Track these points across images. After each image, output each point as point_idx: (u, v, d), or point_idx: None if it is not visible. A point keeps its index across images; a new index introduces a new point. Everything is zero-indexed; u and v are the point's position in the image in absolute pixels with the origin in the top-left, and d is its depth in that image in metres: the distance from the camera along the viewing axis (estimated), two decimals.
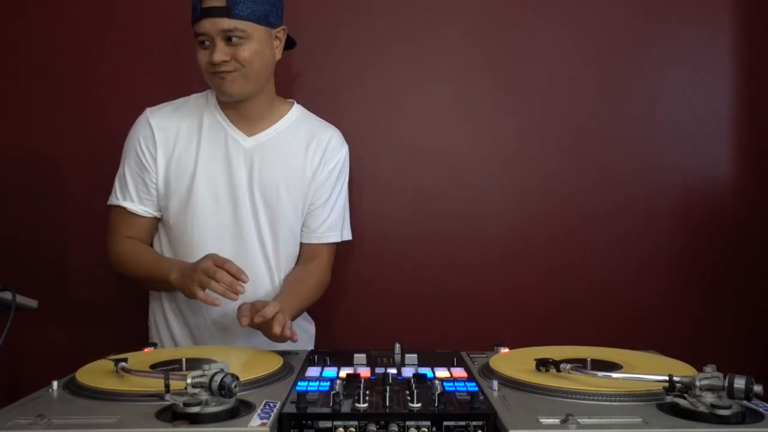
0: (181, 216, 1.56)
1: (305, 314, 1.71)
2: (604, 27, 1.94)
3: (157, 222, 1.61)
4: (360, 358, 1.27)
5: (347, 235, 1.70)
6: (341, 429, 0.92)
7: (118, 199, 1.58)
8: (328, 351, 1.37)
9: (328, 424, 0.93)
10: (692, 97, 1.95)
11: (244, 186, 1.55)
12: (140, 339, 1.41)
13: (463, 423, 0.93)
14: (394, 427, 0.92)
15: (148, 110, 1.60)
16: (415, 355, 1.27)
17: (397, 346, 1.34)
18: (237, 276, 1.34)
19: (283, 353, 1.32)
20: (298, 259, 1.66)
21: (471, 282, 1.94)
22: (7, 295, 1.24)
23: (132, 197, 1.57)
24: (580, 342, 1.35)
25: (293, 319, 1.53)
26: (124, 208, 1.57)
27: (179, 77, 1.92)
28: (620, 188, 1.95)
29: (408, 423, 0.93)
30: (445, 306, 1.94)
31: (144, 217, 1.58)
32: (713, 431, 0.87)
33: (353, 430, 0.93)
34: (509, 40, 1.94)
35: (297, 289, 1.57)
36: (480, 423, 0.93)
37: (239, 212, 1.55)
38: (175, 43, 1.92)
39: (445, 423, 0.93)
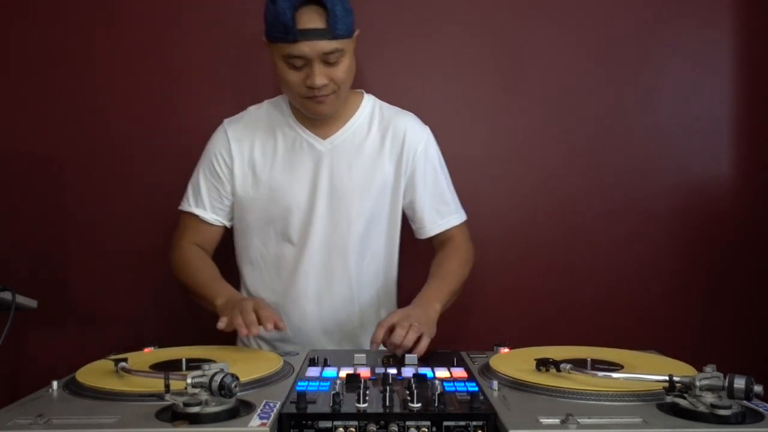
0: (260, 227, 1.55)
1: (389, 301, 1.67)
2: (604, 27, 1.94)
3: (225, 231, 1.61)
4: (360, 358, 1.27)
5: (464, 212, 1.65)
6: (341, 429, 0.92)
7: (190, 205, 1.58)
8: (328, 351, 1.37)
9: (328, 424, 0.93)
10: (692, 97, 1.95)
11: (324, 192, 1.52)
12: (140, 339, 1.41)
13: (463, 423, 0.93)
14: (394, 427, 0.92)
15: (226, 121, 1.59)
16: (415, 355, 1.27)
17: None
18: (263, 322, 1.31)
19: (283, 353, 1.32)
20: (435, 249, 1.62)
21: (471, 282, 1.94)
22: (7, 295, 1.24)
23: (205, 205, 1.57)
24: (580, 342, 1.35)
25: (449, 303, 1.53)
26: (196, 215, 1.57)
27: (180, 77, 1.92)
28: (620, 188, 1.95)
29: (408, 423, 0.93)
30: None
31: (214, 225, 1.58)
32: (713, 431, 0.87)
33: (353, 430, 0.92)
34: (509, 40, 1.94)
35: (441, 274, 1.54)
36: (480, 423, 0.93)
37: (319, 220, 1.52)
38: (176, 42, 1.92)
39: (445, 423, 0.93)
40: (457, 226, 1.62)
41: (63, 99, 1.92)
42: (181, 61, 1.92)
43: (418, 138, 1.57)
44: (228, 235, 1.64)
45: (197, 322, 1.95)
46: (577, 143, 1.95)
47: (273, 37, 1.39)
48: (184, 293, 1.95)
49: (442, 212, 1.60)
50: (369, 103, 1.60)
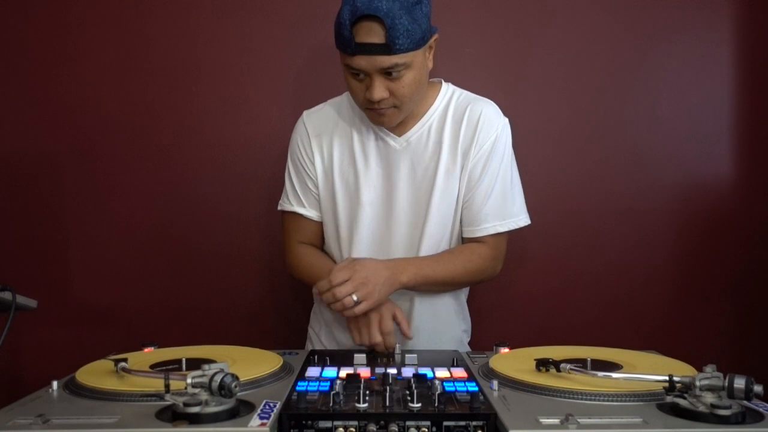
0: (333, 222, 1.53)
1: (463, 311, 1.63)
2: (604, 27, 1.94)
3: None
4: (360, 358, 1.27)
5: (522, 221, 1.52)
6: (341, 429, 0.92)
7: (291, 204, 1.55)
8: (328, 351, 1.37)
9: (328, 424, 0.93)
10: (692, 97, 1.95)
11: (402, 190, 1.48)
12: (140, 339, 1.41)
13: (463, 423, 0.93)
14: (394, 427, 0.92)
15: (305, 114, 1.57)
16: (415, 355, 1.27)
17: (397, 346, 1.34)
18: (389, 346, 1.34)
19: (283, 353, 1.32)
20: None
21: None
22: (7, 295, 1.23)
23: (302, 201, 1.54)
24: (580, 342, 1.35)
25: (424, 285, 1.45)
26: (294, 213, 1.55)
27: (179, 76, 1.92)
28: (620, 188, 1.95)
29: (408, 423, 0.93)
30: None
31: (314, 221, 1.55)
32: (713, 431, 0.87)
33: (353, 430, 0.92)
34: (508, 40, 1.94)
35: (441, 259, 1.46)
36: (480, 423, 0.92)
37: (397, 219, 1.49)
38: (175, 42, 1.92)
39: (445, 423, 0.93)
40: (492, 235, 1.49)
41: (63, 99, 1.92)
42: (181, 60, 1.92)
43: (493, 127, 1.48)
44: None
45: (197, 322, 1.96)
46: (576, 143, 1.95)
47: (337, 45, 1.35)
48: (183, 292, 1.96)
49: (483, 216, 1.48)
50: (447, 93, 1.52)
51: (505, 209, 1.50)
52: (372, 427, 0.92)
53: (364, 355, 1.28)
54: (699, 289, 1.96)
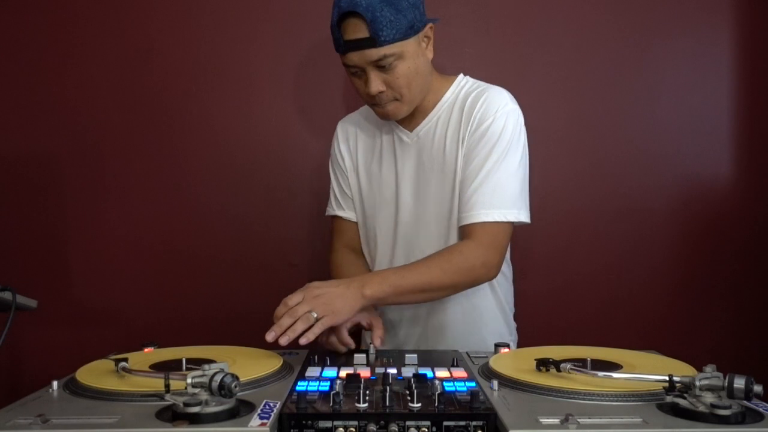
0: (361, 222, 1.61)
1: (502, 312, 1.60)
2: (604, 26, 1.94)
3: None
4: (360, 358, 1.26)
5: (514, 215, 1.40)
6: (341, 429, 0.92)
7: (333, 208, 1.64)
8: (328, 351, 1.37)
9: (328, 424, 0.93)
10: (692, 97, 1.95)
11: (408, 185, 1.52)
12: (140, 339, 1.41)
13: (463, 423, 0.93)
14: (394, 427, 0.92)
15: (341, 121, 1.65)
16: (415, 355, 1.27)
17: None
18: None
19: (283, 353, 1.32)
20: None
21: None
22: (7, 295, 1.24)
23: (341, 205, 1.63)
24: (580, 342, 1.35)
25: (397, 296, 1.34)
26: (336, 216, 1.64)
27: (179, 76, 1.92)
28: (620, 188, 1.95)
29: (408, 423, 0.93)
30: None
31: (351, 221, 1.63)
32: (713, 431, 0.87)
33: (353, 430, 0.92)
34: (508, 39, 1.95)
35: (412, 267, 1.37)
36: (480, 423, 0.92)
37: (403, 214, 1.53)
38: (175, 42, 1.92)
39: (445, 423, 0.93)
40: (481, 223, 1.39)
41: (63, 99, 1.93)
42: (182, 61, 1.92)
43: (493, 110, 1.42)
44: None
45: (197, 322, 1.96)
46: (576, 143, 1.95)
47: (335, 49, 1.41)
48: (183, 291, 1.96)
49: (473, 201, 1.40)
50: (459, 85, 1.52)
51: (496, 198, 1.39)
52: (372, 427, 0.92)
53: (364, 355, 1.28)
54: (699, 289, 1.96)
